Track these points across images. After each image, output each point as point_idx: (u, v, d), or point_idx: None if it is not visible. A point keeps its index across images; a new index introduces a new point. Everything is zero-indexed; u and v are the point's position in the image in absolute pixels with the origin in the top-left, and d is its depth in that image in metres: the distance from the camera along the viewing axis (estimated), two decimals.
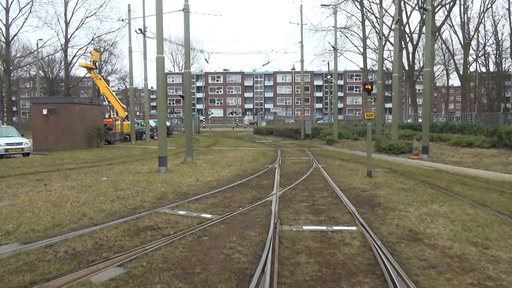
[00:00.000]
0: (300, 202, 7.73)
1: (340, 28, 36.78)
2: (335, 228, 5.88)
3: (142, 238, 5.42)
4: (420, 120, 35.96)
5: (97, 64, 30.72)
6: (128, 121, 28.98)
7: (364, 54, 39.95)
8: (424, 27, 35.42)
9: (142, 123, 32.61)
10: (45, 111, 21.00)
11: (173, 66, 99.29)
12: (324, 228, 5.90)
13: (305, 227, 5.93)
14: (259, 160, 15.29)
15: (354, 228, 5.88)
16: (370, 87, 10.50)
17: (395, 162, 14.95)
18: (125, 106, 31.32)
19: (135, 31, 25.61)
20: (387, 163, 14.39)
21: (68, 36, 45.72)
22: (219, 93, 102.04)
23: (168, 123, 39.03)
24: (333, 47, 27.02)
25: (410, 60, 40.65)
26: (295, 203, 7.69)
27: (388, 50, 42.31)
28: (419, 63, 52.82)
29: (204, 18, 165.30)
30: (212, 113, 79.36)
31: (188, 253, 4.82)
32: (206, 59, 75.84)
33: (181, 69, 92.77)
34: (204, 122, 65.06)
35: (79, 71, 60.28)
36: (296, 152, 19.82)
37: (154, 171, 12.11)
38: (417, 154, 16.24)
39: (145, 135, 30.60)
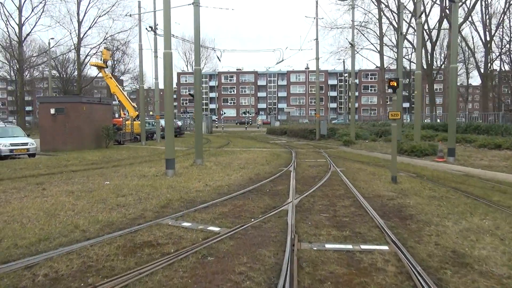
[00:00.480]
0: (319, 213, 6.87)
1: (357, 25, 35.60)
2: (363, 247, 5.01)
3: (137, 257, 4.65)
4: (438, 120, 34.60)
5: (108, 63, 30.24)
6: (139, 120, 28.43)
7: (381, 52, 38.69)
8: (444, 21, 34.10)
9: (153, 123, 32.06)
10: (52, 111, 20.45)
11: (186, 66, 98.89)
12: (350, 247, 5.03)
13: (327, 245, 5.08)
14: (273, 163, 14.45)
15: (386, 247, 5.00)
16: (395, 84, 9.51)
17: (419, 166, 13.91)
18: (135, 106, 30.77)
19: (146, 28, 25.04)
20: (410, 167, 13.38)
21: (81, 35, 45.63)
22: (232, 92, 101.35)
23: (179, 123, 38.44)
24: (350, 43, 25.95)
25: (429, 58, 39.28)
26: (314, 213, 6.83)
27: (406, 47, 40.99)
28: (437, 61, 51.18)
29: (214, 17, 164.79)
30: (224, 113, 78.60)
31: (189, 279, 4.03)
32: (218, 57, 74.54)
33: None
34: (216, 122, 64.48)
35: (92, 71, 60.35)
36: (312, 153, 18.90)
37: (161, 174, 11.39)
38: (442, 156, 15.14)
39: (155, 135, 30.06)
